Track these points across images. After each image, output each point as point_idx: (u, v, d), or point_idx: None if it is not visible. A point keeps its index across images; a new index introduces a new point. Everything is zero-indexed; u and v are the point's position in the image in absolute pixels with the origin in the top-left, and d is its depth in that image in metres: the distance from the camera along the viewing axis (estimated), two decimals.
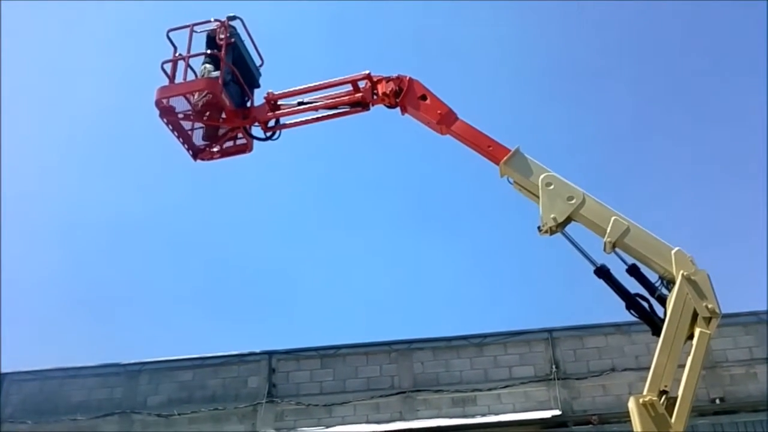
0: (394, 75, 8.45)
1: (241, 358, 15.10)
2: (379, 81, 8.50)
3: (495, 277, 30.98)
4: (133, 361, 15.38)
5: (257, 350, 15.16)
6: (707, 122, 29.98)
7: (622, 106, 30.75)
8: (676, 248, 6.71)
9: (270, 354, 14.99)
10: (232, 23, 9.08)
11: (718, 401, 13.27)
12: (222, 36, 8.83)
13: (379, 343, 14.93)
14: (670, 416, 5.92)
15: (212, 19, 8.95)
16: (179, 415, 14.48)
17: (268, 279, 32.81)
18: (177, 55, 8.83)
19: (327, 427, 14.00)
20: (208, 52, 8.83)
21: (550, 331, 14.49)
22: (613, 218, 6.91)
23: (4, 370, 15.48)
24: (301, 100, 8.77)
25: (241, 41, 9.16)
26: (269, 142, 9.03)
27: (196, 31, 8.93)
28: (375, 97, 8.54)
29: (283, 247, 33.10)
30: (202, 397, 14.70)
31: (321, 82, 8.75)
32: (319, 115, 8.80)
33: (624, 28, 30.30)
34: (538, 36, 31.39)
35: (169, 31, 8.90)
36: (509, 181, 7.61)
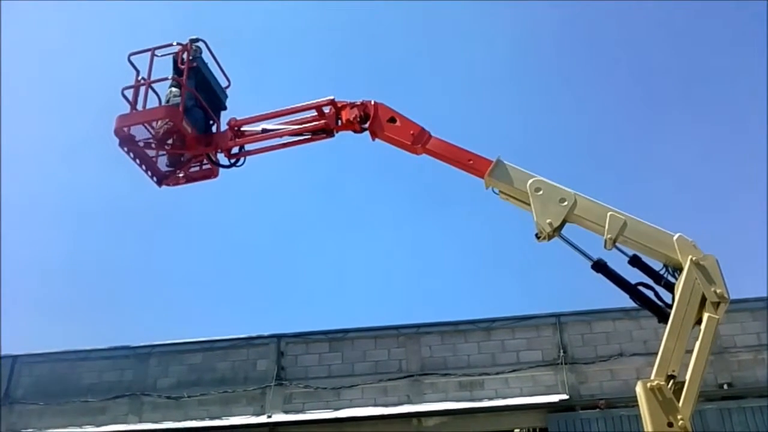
0: (359, 101, 8.14)
1: (249, 341, 15.19)
2: (343, 107, 8.19)
3: (503, 262, 31.03)
4: (142, 344, 15.51)
5: (266, 333, 15.25)
6: (704, 103, 30.01)
7: (616, 105, 30.82)
8: (677, 234, 6.67)
9: (279, 337, 15.06)
10: (197, 44, 8.87)
11: (725, 386, 13.27)
12: (184, 60, 8.58)
13: (387, 327, 14.97)
14: (678, 401, 5.90)
15: (174, 43, 8.72)
16: (188, 397, 14.61)
17: (277, 263, 32.98)
18: (139, 79, 8.59)
19: (335, 410, 14.08)
20: (169, 77, 8.60)
21: (557, 316, 14.49)
22: (609, 214, 6.81)
23: (15, 353, 15.66)
24: (264, 126, 8.46)
25: (205, 64, 8.94)
26: (234, 168, 8.72)
27: (157, 55, 8.68)
28: (339, 123, 8.23)
29: (292, 232, 33.23)
30: (212, 380, 14.81)
31: (285, 108, 8.48)
32: (283, 142, 8.50)
33: (622, 27, 30.25)
34: (534, 35, 31.35)
35: (130, 55, 8.64)
36: (494, 192, 7.45)
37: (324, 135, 8.37)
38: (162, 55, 8.74)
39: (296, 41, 32.07)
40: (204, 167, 9.00)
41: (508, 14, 30.89)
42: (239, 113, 8.76)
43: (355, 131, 8.20)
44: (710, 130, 29.69)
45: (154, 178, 8.81)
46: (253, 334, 15.30)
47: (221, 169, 8.92)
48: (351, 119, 8.10)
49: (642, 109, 30.81)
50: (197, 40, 8.92)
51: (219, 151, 8.66)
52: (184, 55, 8.65)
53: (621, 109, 31.40)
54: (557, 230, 6.97)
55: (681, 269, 6.51)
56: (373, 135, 8.10)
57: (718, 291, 6.33)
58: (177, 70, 8.66)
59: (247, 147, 8.65)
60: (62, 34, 30.52)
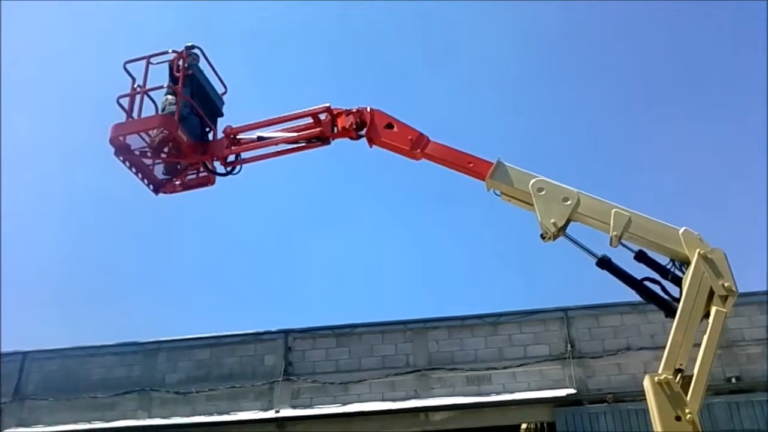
0: (354, 108, 8.07)
1: (257, 336, 15.22)
2: (339, 114, 8.12)
3: (509, 257, 31.01)
4: (151, 340, 15.58)
5: (273, 329, 15.28)
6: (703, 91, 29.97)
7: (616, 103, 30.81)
8: (683, 228, 6.65)
9: (286, 333, 15.09)
10: (193, 51, 8.82)
11: (733, 380, 13.23)
12: (180, 68, 8.52)
13: (394, 322, 14.98)
14: (686, 395, 5.90)
15: (170, 50, 8.67)
16: (197, 392, 14.67)
17: (285, 259, 33.03)
18: (135, 87, 8.52)
19: (343, 404, 14.12)
20: (165, 85, 8.56)
21: (565, 310, 14.47)
22: (613, 211, 6.79)
23: (25, 349, 15.75)
24: (260, 134, 8.40)
25: (200, 71, 8.88)
26: (230, 176, 8.63)
27: (152, 63, 8.62)
28: (335, 130, 8.16)
29: (300, 228, 33.27)
30: (220, 375, 14.87)
31: (281, 116, 8.41)
32: (279, 150, 8.45)
33: (620, 26, 30.22)
34: (535, 35, 31.30)
35: (126, 63, 8.57)
36: (496, 194, 7.41)
37: (320, 143, 8.30)
38: (157, 63, 8.68)
39: (295, 42, 32.14)
40: (201, 175, 8.94)
41: (509, 13, 30.87)
42: (241, 114, 8.75)
43: (352, 138, 8.15)
44: (711, 127, 29.68)
45: (151, 186, 8.75)
46: (261, 330, 15.33)
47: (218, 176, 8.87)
48: (347, 127, 8.04)
49: (643, 108, 30.79)
50: (193, 47, 8.86)
51: (215, 159, 8.60)
52: (180, 63, 8.59)
53: (622, 108, 31.38)
54: (562, 230, 6.94)
55: (688, 263, 6.50)
56: (371, 142, 8.05)
57: (726, 284, 6.31)
58: (173, 78, 8.62)
59: (243, 155, 8.57)
60: (62, 34, 30.64)
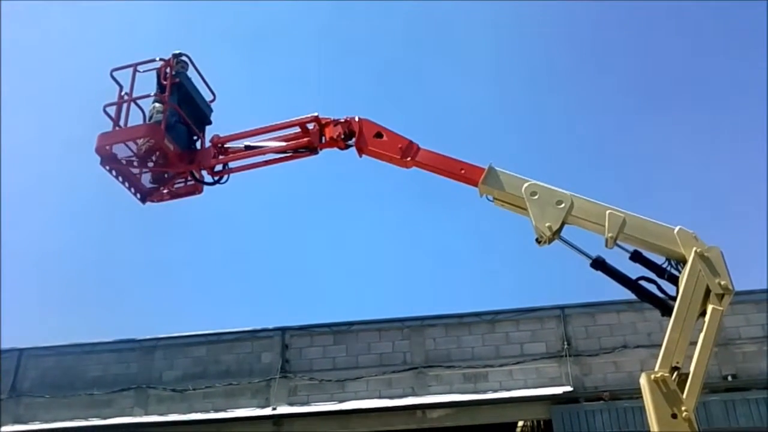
0: (342, 118, 7.99)
1: (254, 334, 15.23)
2: (327, 124, 8.04)
3: (507, 254, 31.04)
4: (148, 337, 15.57)
5: (270, 326, 15.29)
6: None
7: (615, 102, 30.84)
8: (677, 227, 6.65)
9: (283, 330, 15.11)
10: (181, 59, 8.75)
11: (730, 378, 13.28)
12: (167, 76, 8.44)
13: (391, 319, 15.01)
14: (682, 392, 5.90)
15: (157, 58, 8.58)
16: (194, 390, 14.67)
17: (282, 257, 33.02)
18: (122, 95, 8.44)
19: (340, 402, 14.13)
20: (152, 94, 8.48)
21: (562, 308, 14.50)
22: (607, 212, 6.76)
23: (22, 346, 15.73)
24: (248, 143, 8.31)
25: (188, 78, 8.81)
26: (217, 186, 8.55)
27: (139, 71, 8.55)
28: (323, 140, 8.08)
29: (297, 226, 33.26)
30: (216, 373, 14.87)
31: (269, 125, 8.34)
32: (267, 159, 8.36)
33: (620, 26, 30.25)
34: (533, 34, 31.32)
35: (113, 71, 8.50)
36: (489, 199, 7.36)
37: (308, 152, 8.23)
38: (144, 71, 8.60)
39: (289, 43, 32.08)
40: (188, 183, 8.84)
41: (511, 13, 30.87)
42: (231, 121, 8.69)
43: (340, 148, 8.08)
44: (710, 127, 29.74)
45: (138, 195, 8.65)
46: (258, 327, 15.35)
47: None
48: (335, 137, 7.96)
49: (641, 108, 30.84)
50: (180, 54, 8.78)
51: (202, 168, 8.51)
52: (168, 70, 8.51)
53: (621, 108, 31.42)
54: (557, 233, 6.92)
55: (684, 262, 6.50)
56: (360, 152, 7.98)
57: (722, 283, 6.31)
58: (160, 86, 8.54)
59: (231, 164, 8.49)
60: (62, 34, 30.57)
